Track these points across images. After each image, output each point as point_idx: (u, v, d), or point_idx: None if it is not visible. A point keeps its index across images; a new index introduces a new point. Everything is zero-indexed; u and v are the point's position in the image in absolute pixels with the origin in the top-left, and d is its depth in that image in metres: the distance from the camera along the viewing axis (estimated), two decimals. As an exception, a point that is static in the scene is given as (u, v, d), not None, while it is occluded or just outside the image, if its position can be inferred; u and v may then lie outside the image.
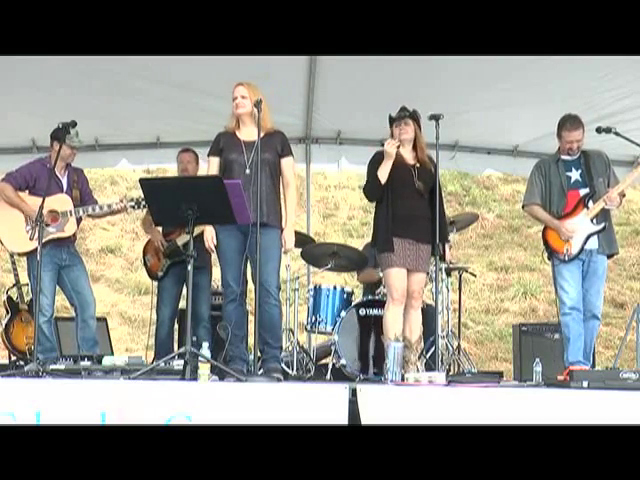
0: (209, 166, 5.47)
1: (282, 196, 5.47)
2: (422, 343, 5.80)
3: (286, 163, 5.43)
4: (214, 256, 5.51)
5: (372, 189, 5.62)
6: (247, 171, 5.21)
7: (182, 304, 7.07)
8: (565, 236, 5.74)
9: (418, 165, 5.60)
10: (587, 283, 5.79)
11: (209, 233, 5.31)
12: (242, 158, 5.28)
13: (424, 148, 5.66)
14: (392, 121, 5.59)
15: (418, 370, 5.41)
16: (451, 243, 6.87)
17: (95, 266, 11.70)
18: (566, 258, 5.74)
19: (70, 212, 5.93)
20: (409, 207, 5.52)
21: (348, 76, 6.79)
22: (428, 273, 6.01)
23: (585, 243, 5.74)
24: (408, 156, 5.61)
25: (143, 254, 6.69)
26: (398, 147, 5.51)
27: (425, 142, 5.68)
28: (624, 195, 5.98)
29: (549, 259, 5.92)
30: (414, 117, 5.59)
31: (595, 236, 5.76)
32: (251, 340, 5.31)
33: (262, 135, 5.23)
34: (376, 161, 5.61)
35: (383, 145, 5.54)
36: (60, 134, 5.68)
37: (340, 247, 7.11)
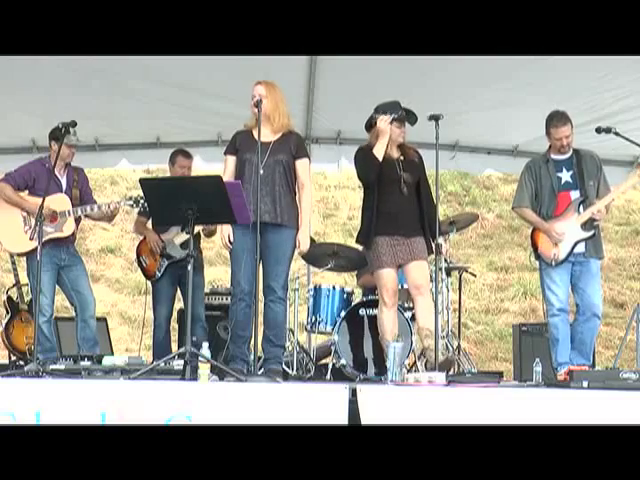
0: (225, 165, 5.46)
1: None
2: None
3: (300, 165, 5.41)
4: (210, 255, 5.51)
5: (369, 167, 5.57)
6: (261, 171, 5.17)
7: (178, 304, 7.08)
8: (555, 239, 5.74)
9: (402, 158, 5.62)
10: (582, 283, 5.79)
11: (225, 231, 5.30)
12: (256, 158, 5.23)
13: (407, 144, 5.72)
14: (389, 116, 5.55)
15: (421, 370, 5.42)
16: (446, 237, 6.87)
17: (95, 266, 11.70)
18: (553, 263, 5.75)
19: (68, 212, 5.92)
20: (396, 203, 5.51)
21: (348, 76, 6.79)
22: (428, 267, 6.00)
23: (573, 249, 5.74)
24: (392, 150, 5.62)
25: (137, 255, 6.69)
26: (391, 123, 5.50)
27: (419, 141, 5.76)
28: (613, 199, 5.98)
29: (537, 259, 5.92)
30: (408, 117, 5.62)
31: (584, 241, 5.76)
32: (251, 340, 5.30)
33: (278, 136, 5.27)
34: (363, 153, 5.61)
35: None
36: (58, 134, 5.68)
37: (340, 247, 7.10)
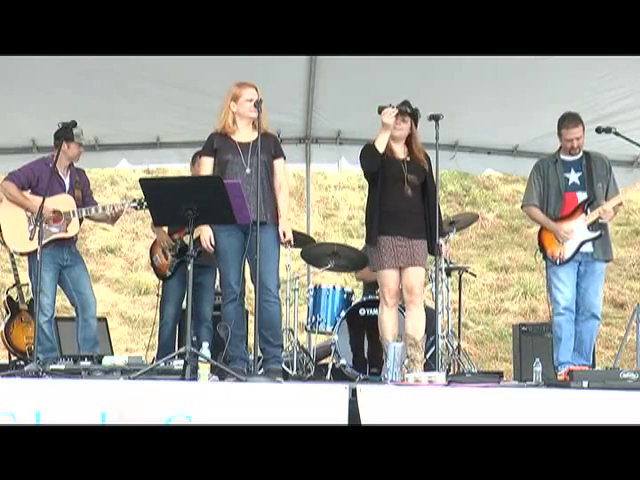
0: (202, 166, 5.43)
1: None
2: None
3: (278, 165, 5.42)
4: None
5: (370, 158, 5.49)
6: (248, 171, 5.19)
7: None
8: (563, 238, 5.74)
9: (408, 159, 5.55)
10: (585, 283, 5.80)
11: (206, 233, 5.29)
12: (239, 159, 5.25)
13: (419, 145, 5.60)
14: (394, 109, 5.41)
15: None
16: (447, 238, 6.85)
17: (95, 266, 11.69)
18: (557, 262, 5.76)
19: (73, 212, 5.93)
20: (399, 203, 5.47)
21: (348, 76, 6.79)
22: (427, 269, 5.98)
23: (578, 249, 5.74)
24: (399, 150, 5.57)
25: (150, 254, 6.69)
26: (396, 116, 5.40)
27: (420, 141, 5.63)
28: (621, 204, 5.98)
29: (544, 259, 5.93)
30: (413, 115, 5.55)
31: (590, 241, 5.76)
32: (251, 340, 5.32)
33: (256, 137, 5.22)
34: (366, 147, 5.54)
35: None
36: (68, 134, 5.71)
37: (340, 247, 7.10)
